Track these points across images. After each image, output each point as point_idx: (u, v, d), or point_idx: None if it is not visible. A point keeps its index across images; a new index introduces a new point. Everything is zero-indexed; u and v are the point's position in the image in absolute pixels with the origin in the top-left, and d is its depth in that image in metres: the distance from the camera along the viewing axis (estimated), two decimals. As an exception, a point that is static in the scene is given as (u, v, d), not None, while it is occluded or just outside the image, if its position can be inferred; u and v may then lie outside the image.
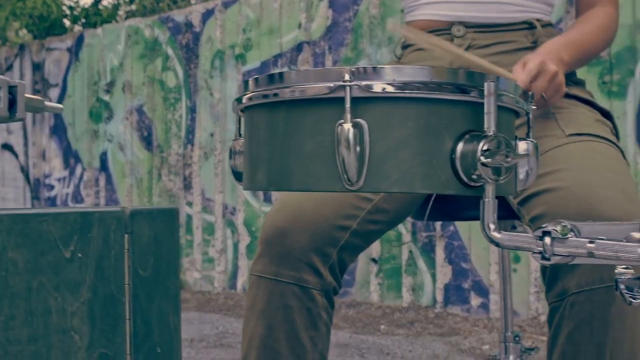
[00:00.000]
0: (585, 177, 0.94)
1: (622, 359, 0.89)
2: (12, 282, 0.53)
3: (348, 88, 0.63)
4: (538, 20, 1.28)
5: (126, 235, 0.62)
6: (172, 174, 4.28)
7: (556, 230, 0.61)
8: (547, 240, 0.61)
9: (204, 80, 4.14)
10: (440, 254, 3.30)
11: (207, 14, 4.15)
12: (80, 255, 0.57)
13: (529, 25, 1.27)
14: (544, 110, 1.11)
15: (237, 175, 0.81)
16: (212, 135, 4.10)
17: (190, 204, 4.19)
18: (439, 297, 3.31)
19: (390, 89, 0.63)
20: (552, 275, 0.95)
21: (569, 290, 0.92)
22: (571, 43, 1.17)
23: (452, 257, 3.28)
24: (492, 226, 0.65)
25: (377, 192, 1.14)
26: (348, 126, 0.62)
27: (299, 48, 3.79)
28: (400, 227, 3.42)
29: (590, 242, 0.60)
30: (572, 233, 0.62)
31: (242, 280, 4.00)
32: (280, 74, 0.70)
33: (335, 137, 0.64)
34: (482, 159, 0.63)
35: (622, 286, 0.61)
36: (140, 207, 0.64)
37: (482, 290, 3.20)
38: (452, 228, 3.29)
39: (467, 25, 1.28)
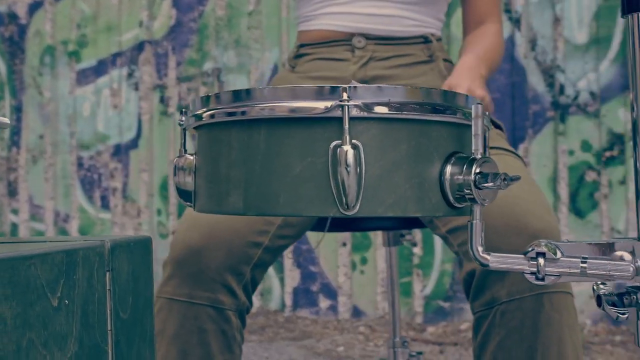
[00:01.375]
0: (508, 190, 0.98)
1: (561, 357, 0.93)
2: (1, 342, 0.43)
3: (346, 108, 0.59)
4: (432, 34, 1.32)
5: (107, 274, 0.54)
6: (-6, 179, 3.89)
7: (551, 252, 0.62)
8: (541, 261, 0.62)
9: (32, 77, 3.81)
10: (288, 258, 3.30)
11: (35, 6, 3.82)
12: (67, 302, 0.48)
13: (425, 40, 1.31)
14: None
15: (184, 194, 0.74)
16: (41, 137, 3.79)
17: (15, 211, 3.84)
18: (288, 301, 3.32)
19: (385, 110, 0.60)
20: (478, 285, 0.97)
21: (499, 299, 0.95)
22: (484, 60, 1.22)
23: (301, 261, 3.30)
24: (480, 248, 0.64)
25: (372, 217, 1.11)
26: (347, 147, 0.59)
27: (140, 47, 3.62)
28: (249, 232, 3.38)
29: (583, 262, 0.61)
30: (559, 252, 0.63)
31: (77, 292, 3.73)
32: (249, 91, 0.64)
33: (330, 158, 0.60)
34: (477, 182, 0.62)
35: (606, 303, 0.63)
36: (117, 238, 0.56)
37: (331, 293, 3.25)
38: (304, 246, 3.31)
39: (368, 37, 1.28)
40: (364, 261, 3.21)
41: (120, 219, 3.65)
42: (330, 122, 0.60)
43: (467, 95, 0.66)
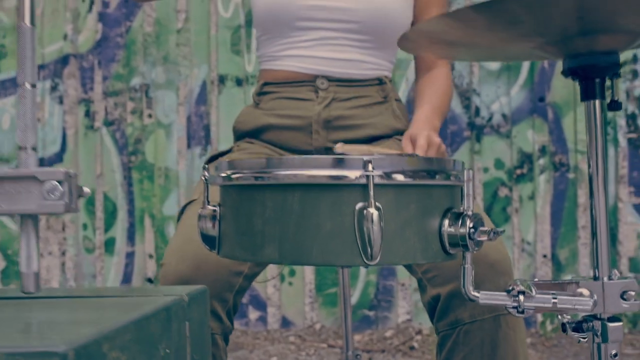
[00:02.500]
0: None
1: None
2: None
3: (371, 177, 0.72)
4: (386, 76, 1.47)
5: (187, 323, 0.64)
6: None
7: (528, 290, 0.77)
8: (521, 298, 0.77)
9: (-54, 88, 3.70)
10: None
11: (-50, 15, 3.71)
12: (167, 351, 0.59)
13: (380, 81, 1.45)
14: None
15: (207, 239, 0.85)
16: (-43, 149, 3.68)
17: None
18: (218, 313, 3.39)
19: (401, 177, 0.74)
20: (443, 308, 1.12)
21: (462, 321, 1.10)
22: (436, 110, 1.38)
23: (230, 273, 3.39)
24: (470, 287, 0.79)
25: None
26: (372, 210, 0.72)
27: (64, 61, 3.59)
28: (178, 245, 3.43)
29: (554, 298, 0.77)
30: (534, 290, 0.78)
31: (-4, 309, 3.65)
32: (281, 160, 0.76)
33: (356, 217, 0.73)
34: (471, 235, 0.76)
35: (569, 329, 0.79)
36: (190, 290, 0.66)
37: (260, 304, 3.36)
38: (230, 245, 3.39)
39: (330, 79, 1.41)
40: (292, 273, 3.33)
41: (44, 234, 3.60)
42: (356, 188, 0.73)
43: (455, 160, 0.81)
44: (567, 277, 3.11)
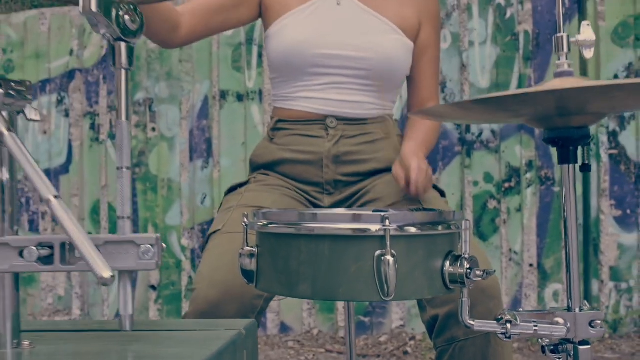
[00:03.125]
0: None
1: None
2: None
3: (388, 230, 0.89)
4: (389, 115, 1.65)
5: (245, 352, 0.81)
6: None
7: (514, 319, 0.95)
8: (509, 326, 0.95)
9: (-46, 100, 3.84)
10: (219, 278, 3.55)
11: (-43, 29, 3.86)
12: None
13: (383, 120, 1.63)
14: (414, 197, 1.47)
15: (246, 274, 1.02)
16: (-36, 160, 3.82)
17: (-64, 235, 3.85)
18: (219, 319, 3.56)
19: (413, 229, 0.92)
20: (441, 327, 1.30)
21: (458, 338, 1.28)
22: (423, 143, 1.56)
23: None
24: (467, 317, 0.97)
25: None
26: (389, 257, 0.89)
27: (70, 75, 3.74)
28: (180, 254, 3.60)
29: (535, 326, 0.95)
30: (518, 319, 0.96)
31: (3, 315, 3.81)
32: (315, 214, 0.94)
33: (375, 262, 0.90)
34: (468, 274, 0.94)
35: (548, 350, 0.97)
36: (245, 324, 0.84)
37: (260, 310, 3.52)
38: (230, 254, 3.56)
39: (339, 119, 1.59)
40: (291, 281, 3.51)
41: (50, 243, 3.75)
42: (376, 239, 0.90)
43: (454, 212, 0.99)
44: (553, 285, 3.31)
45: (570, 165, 0.95)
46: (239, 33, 3.58)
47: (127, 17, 0.76)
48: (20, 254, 0.75)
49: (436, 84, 1.71)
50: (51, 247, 0.75)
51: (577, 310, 0.96)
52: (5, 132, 0.73)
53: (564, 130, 0.93)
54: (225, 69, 3.59)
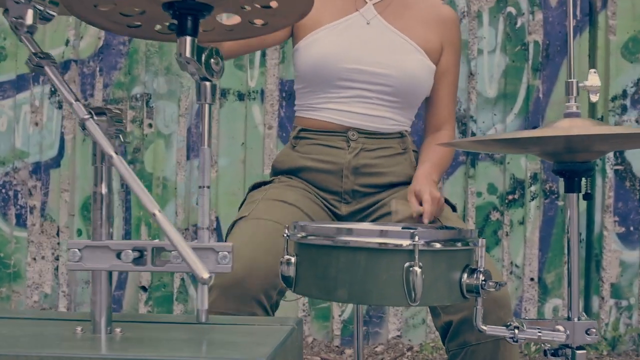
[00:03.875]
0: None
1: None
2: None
3: (417, 245, 1.14)
4: (406, 131, 1.89)
5: (296, 343, 1.05)
6: None
7: (521, 326, 1.20)
8: (516, 331, 1.20)
9: (-59, 87, 4.04)
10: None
11: (-52, 13, 4.05)
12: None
13: (401, 135, 1.88)
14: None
15: (285, 279, 1.27)
16: (-50, 149, 4.03)
17: None
18: (211, 323, 3.79)
19: (438, 245, 1.16)
20: (454, 332, 1.56)
21: (470, 342, 1.53)
22: (436, 166, 1.81)
23: (225, 284, 3.79)
24: (480, 322, 1.21)
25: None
26: (417, 268, 1.14)
27: (65, 65, 3.95)
28: (174, 255, 3.82)
29: (539, 332, 1.20)
30: (525, 325, 1.21)
31: (-15, 312, 4.01)
32: (350, 229, 1.18)
33: (404, 272, 1.14)
34: (483, 285, 1.19)
35: (549, 354, 1.22)
36: (297, 320, 1.08)
37: (254, 315, 3.77)
38: (225, 257, 3.79)
39: (360, 132, 1.83)
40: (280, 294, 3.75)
41: (38, 238, 3.97)
42: (406, 252, 1.15)
43: (472, 230, 1.23)
44: (553, 300, 3.58)
45: (574, 194, 1.20)
46: (242, 30, 3.81)
47: (212, 61, 1.00)
48: (118, 256, 0.99)
49: (453, 108, 1.97)
50: (143, 251, 0.99)
51: (576, 319, 1.21)
52: (114, 155, 0.96)
53: (570, 164, 1.18)
54: (227, 67, 3.78)
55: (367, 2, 1.89)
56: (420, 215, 1.62)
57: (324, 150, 1.84)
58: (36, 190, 3.98)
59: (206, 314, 0.99)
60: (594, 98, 1.22)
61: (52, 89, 3.97)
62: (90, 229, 3.74)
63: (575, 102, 1.21)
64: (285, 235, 1.28)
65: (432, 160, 1.83)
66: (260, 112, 3.79)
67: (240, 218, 1.72)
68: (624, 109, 3.58)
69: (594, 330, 1.21)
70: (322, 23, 1.85)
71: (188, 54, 0.97)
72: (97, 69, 3.94)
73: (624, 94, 3.58)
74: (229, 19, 1.16)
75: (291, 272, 1.25)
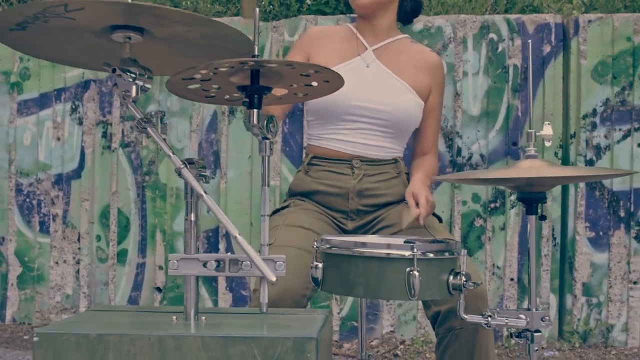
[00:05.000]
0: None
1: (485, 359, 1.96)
2: None
3: (415, 255, 1.56)
4: (399, 157, 2.31)
5: (329, 328, 1.47)
6: None
7: (493, 315, 1.62)
8: (490, 319, 1.62)
9: (-31, 104, 4.42)
10: (222, 283, 4.19)
11: (-25, 36, 4.43)
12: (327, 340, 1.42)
13: (395, 161, 2.29)
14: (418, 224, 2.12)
15: (314, 280, 1.68)
16: (-22, 162, 4.41)
17: (-53, 232, 4.43)
18: (220, 321, 4.20)
19: (431, 255, 1.58)
20: (442, 319, 1.97)
21: (454, 328, 1.95)
22: (427, 174, 2.22)
23: (233, 285, 4.20)
24: (462, 312, 1.63)
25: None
26: (415, 272, 1.55)
27: (85, 85, 4.35)
28: (186, 259, 4.23)
29: (506, 319, 1.62)
30: (496, 314, 1.63)
31: (12, 311, 4.40)
32: (365, 243, 1.60)
33: (406, 276, 1.56)
34: (465, 284, 1.60)
35: (514, 336, 1.64)
36: (326, 311, 1.49)
37: (260, 313, 4.18)
38: (233, 260, 4.20)
39: (362, 160, 2.24)
40: (290, 287, 4.17)
41: (60, 244, 4.36)
42: (407, 260, 1.56)
43: (457, 242, 1.65)
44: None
45: (533, 216, 1.62)
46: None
47: (271, 125, 1.41)
48: (204, 265, 1.40)
49: (436, 138, 2.38)
50: (221, 261, 1.40)
51: (534, 310, 1.63)
52: (204, 195, 1.37)
53: (529, 194, 1.60)
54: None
55: (367, 49, 2.31)
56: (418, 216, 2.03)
57: (332, 177, 2.25)
58: (58, 199, 4.37)
59: (267, 306, 1.41)
60: (548, 144, 1.64)
61: (73, 107, 4.36)
62: (109, 235, 4.13)
63: (533, 146, 1.62)
64: (315, 246, 1.69)
65: (424, 170, 2.24)
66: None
67: (269, 244, 2.11)
68: (594, 126, 4.01)
69: (547, 317, 1.63)
70: (330, 66, 2.26)
71: (255, 121, 1.38)
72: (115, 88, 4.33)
73: (594, 112, 4.02)
74: (279, 91, 1.56)
75: (319, 274, 1.66)
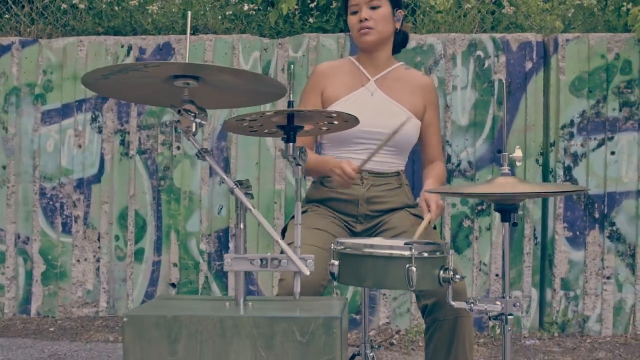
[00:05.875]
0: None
1: (462, 344, 2.39)
2: None
3: (414, 254, 1.99)
4: (401, 170, 2.75)
5: (345, 320, 1.90)
6: (-47, 203, 4.86)
7: (474, 301, 2.06)
8: (472, 305, 2.06)
9: (-4, 114, 4.83)
10: (232, 279, 4.62)
11: (1, 50, 4.84)
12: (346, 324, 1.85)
13: (398, 174, 2.73)
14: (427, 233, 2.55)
15: (332, 274, 2.11)
16: (4, 167, 4.82)
17: (-25, 233, 4.84)
18: (230, 314, 4.63)
19: (425, 254, 2.02)
20: (429, 310, 2.41)
21: (439, 318, 2.40)
22: (438, 181, 2.66)
23: (241, 281, 4.62)
24: (450, 300, 2.07)
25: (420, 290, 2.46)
26: (413, 268, 1.99)
27: (104, 97, 4.76)
28: (199, 257, 4.66)
29: (485, 305, 2.06)
30: (477, 302, 2.07)
31: (36, 305, 4.81)
32: (373, 244, 2.04)
33: (406, 271, 2.00)
34: (452, 278, 2.04)
35: (491, 319, 2.08)
36: (343, 297, 1.93)
37: (266, 307, 4.61)
38: (242, 258, 4.63)
39: (370, 173, 2.68)
40: (294, 282, 4.60)
41: (81, 243, 4.78)
42: (407, 258, 2.00)
43: (447, 243, 2.09)
44: (513, 292, 4.46)
45: (507, 223, 2.06)
46: (256, 66, 4.65)
47: (302, 154, 1.83)
48: (251, 262, 1.83)
49: (440, 147, 2.84)
50: (264, 259, 1.83)
51: (508, 298, 2.07)
52: (252, 209, 1.80)
53: (504, 205, 2.04)
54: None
55: (369, 79, 2.74)
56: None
57: (337, 194, 2.68)
58: (79, 202, 4.79)
59: (298, 294, 1.84)
60: (519, 164, 2.07)
61: (93, 116, 4.78)
62: (127, 235, 4.53)
63: (507, 166, 2.06)
64: (332, 248, 2.12)
65: (434, 176, 2.68)
66: (272, 138, 4.63)
67: (289, 244, 2.55)
68: (571, 135, 4.47)
69: (519, 304, 2.07)
70: (340, 96, 2.70)
71: (291, 153, 1.81)
72: (132, 99, 4.75)
73: (572, 123, 4.47)
74: (307, 126, 1.99)
75: (335, 270, 2.10)
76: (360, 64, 2.78)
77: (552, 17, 5.08)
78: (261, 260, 1.84)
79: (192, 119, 1.88)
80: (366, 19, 2.66)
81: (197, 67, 1.83)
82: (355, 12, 2.70)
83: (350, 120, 1.91)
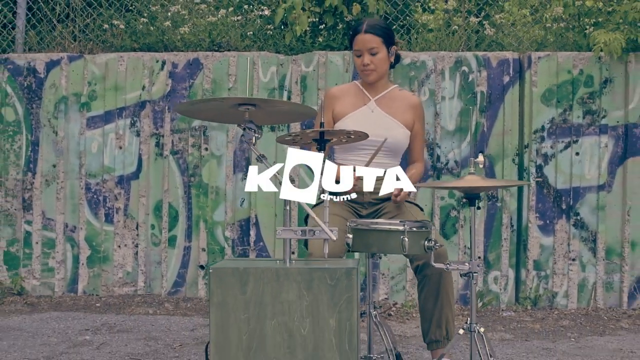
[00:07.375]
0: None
1: (446, 293, 3.30)
2: (359, 279, 2.71)
3: (406, 229, 2.89)
4: (396, 182, 3.65)
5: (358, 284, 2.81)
6: (10, 196, 5.74)
7: (450, 263, 2.96)
8: (449, 266, 2.96)
9: (47, 119, 5.71)
10: (281, 244, 5.50)
11: (52, 64, 5.73)
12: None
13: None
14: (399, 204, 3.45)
15: (347, 245, 3.02)
16: (54, 166, 5.70)
17: (29, 222, 5.72)
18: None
19: (415, 229, 2.92)
20: (419, 268, 3.32)
21: (427, 274, 3.30)
22: (412, 178, 3.56)
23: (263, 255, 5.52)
24: (433, 262, 2.97)
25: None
26: (406, 239, 2.88)
27: (142, 105, 5.65)
28: (224, 242, 5.55)
29: (458, 266, 2.96)
30: (452, 264, 2.98)
31: (82, 285, 5.70)
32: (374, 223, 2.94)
33: (401, 240, 2.90)
34: (435, 246, 2.94)
35: (463, 275, 2.98)
36: (352, 262, 2.83)
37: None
38: (261, 243, 5.53)
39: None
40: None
41: (121, 231, 5.67)
42: (401, 231, 2.90)
43: (430, 221, 3.00)
44: (493, 272, 5.37)
45: (473, 207, 2.96)
46: (273, 80, 5.53)
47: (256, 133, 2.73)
48: (294, 233, 2.72)
49: (421, 151, 3.74)
50: (305, 231, 2.72)
51: (473, 260, 2.97)
52: (310, 212, 2.70)
53: (470, 195, 2.94)
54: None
55: (370, 99, 3.64)
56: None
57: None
58: (120, 196, 5.68)
59: (327, 254, 2.73)
60: (481, 166, 2.97)
61: (132, 122, 5.67)
62: (161, 224, 5.42)
63: (473, 168, 2.95)
64: (347, 225, 3.01)
65: (410, 173, 3.56)
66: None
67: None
68: (542, 139, 5.38)
69: (480, 265, 2.97)
70: (347, 113, 3.60)
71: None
72: (166, 107, 5.64)
73: (543, 128, 5.38)
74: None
75: (350, 241, 2.98)
76: (363, 87, 3.68)
77: (529, 35, 5.98)
78: (302, 231, 2.73)
79: (253, 133, 2.77)
80: (368, 64, 3.56)
81: (254, 99, 2.73)
82: (359, 56, 3.59)
83: (362, 136, 2.81)
